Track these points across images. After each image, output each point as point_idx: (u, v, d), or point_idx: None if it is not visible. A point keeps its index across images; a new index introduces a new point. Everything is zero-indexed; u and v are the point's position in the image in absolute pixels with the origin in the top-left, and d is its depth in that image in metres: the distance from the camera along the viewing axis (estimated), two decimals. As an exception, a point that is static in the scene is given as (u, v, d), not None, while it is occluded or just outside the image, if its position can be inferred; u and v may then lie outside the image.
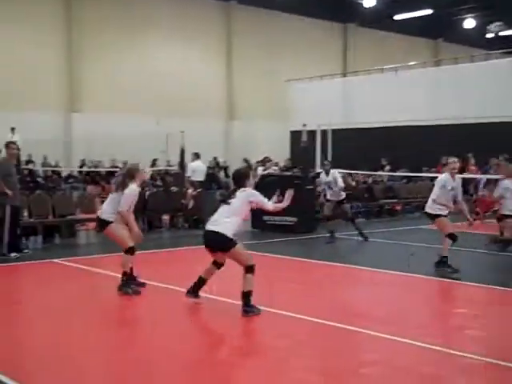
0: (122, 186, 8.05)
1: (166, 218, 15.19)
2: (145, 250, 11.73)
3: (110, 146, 24.59)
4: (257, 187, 14.50)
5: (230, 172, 28.71)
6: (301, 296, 8.22)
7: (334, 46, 35.37)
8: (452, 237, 9.32)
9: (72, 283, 8.93)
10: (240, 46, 31.42)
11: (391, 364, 5.52)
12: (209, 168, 21.79)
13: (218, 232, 7.01)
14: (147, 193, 14.73)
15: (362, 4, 31.68)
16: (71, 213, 13.12)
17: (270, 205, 7.35)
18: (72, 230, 13.04)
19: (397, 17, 34.20)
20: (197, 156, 16.73)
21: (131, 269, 8.19)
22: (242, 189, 7.23)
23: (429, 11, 33.05)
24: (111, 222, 8.02)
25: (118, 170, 19.21)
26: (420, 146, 22.33)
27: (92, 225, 13.49)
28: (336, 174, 13.20)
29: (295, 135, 22.62)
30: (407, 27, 35.04)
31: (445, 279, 9.07)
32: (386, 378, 5.23)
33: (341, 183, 13.09)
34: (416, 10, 33.07)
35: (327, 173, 13.21)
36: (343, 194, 13.29)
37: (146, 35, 28.54)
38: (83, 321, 6.84)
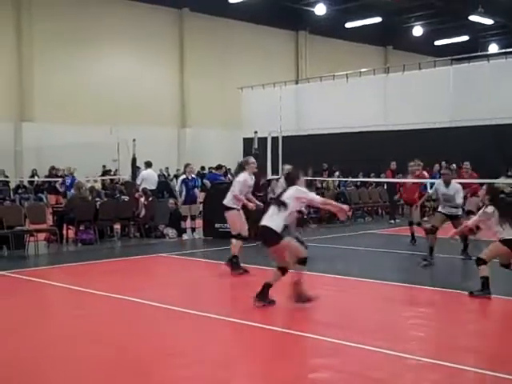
0: None
1: (117, 227, 15.10)
2: (96, 259, 11.73)
3: (62, 155, 24.23)
4: (208, 194, 14.58)
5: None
6: (248, 303, 8.29)
7: (286, 53, 35.67)
8: (238, 237, 9.87)
9: (21, 296, 8.80)
10: (192, 53, 31.42)
11: (339, 368, 5.60)
12: (160, 176, 21.73)
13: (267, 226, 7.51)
14: (98, 202, 14.63)
15: (313, 12, 32.05)
16: (20, 224, 12.91)
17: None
18: (21, 241, 12.81)
19: (348, 25, 34.72)
20: (148, 164, 16.70)
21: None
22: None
23: (378, 19, 33.64)
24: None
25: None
26: (370, 151, 22.70)
27: (41, 235, 13.31)
28: (457, 186, 11.11)
29: (248, 142, 22.71)
30: (358, 35, 35.58)
31: (388, 282, 9.25)
32: (334, 383, 5.32)
33: (460, 199, 10.98)
34: (366, 18, 33.63)
35: (447, 184, 11.13)
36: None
37: (97, 44, 28.28)
38: (36, 334, 6.75)
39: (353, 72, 25.22)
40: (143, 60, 29.93)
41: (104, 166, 25.90)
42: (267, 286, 7.62)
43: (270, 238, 7.48)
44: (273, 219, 7.52)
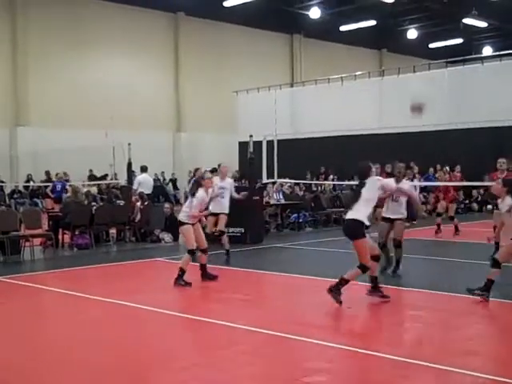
0: None
1: (113, 231, 15.08)
2: (92, 264, 11.73)
3: (57, 160, 24.19)
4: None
5: (179, 184, 28.73)
6: (245, 306, 8.30)
7: (281, 56, 35.72)
8: (191, 253, 9.45)
9: (17, 301, 8.79)
10: (188, 57, 31.44)
11: (335, 372, 5.62)
12: (156, 181, 21.66)
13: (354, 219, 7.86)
14: (94, 207, 14.61)
15: (308, 15, 32.10)
16: (15, 229, 12.87)
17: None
18: (16, 246, 12.77)
19: (342, 28, 34.79)
20: (143, 169, 16.71)
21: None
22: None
23: (373, 22, 33.72)
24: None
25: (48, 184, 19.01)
26: (366, 154, 22.71)
27: (37, 241, 13.28)
28: (407, 184, 10.37)
29: (243, 146, 22.76)
30: (353, 38, 35.66)
31: (383, 285, 9.24)
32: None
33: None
34: (361, 22, 33.71)
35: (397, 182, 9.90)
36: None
37: (92, 48, 28.26)
38: (33, 339, 6.74)
39: (348, 75, 25.26)
40: (138, 64, 29.92)
41: (91, 171, 25.70)
42: (344, 281, 7.76)
43: (356, 230, 7.78)
44: (358, 211, 7.80)
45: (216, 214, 11.70)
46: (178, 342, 6.70)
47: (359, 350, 6.07)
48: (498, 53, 24.98)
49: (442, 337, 6.72)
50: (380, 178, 8.26)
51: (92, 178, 24.88)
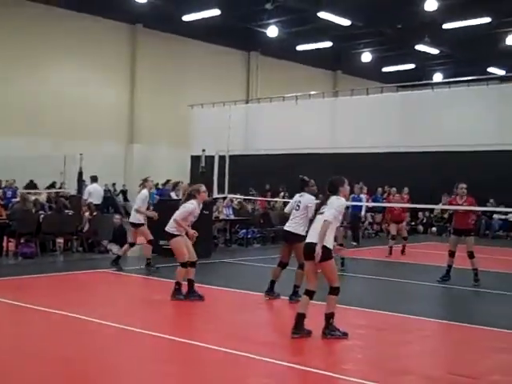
0: None
1: (60, 241, 14.89)
2: (37, 273, 11.55)
3: (6, 167, 23.65)
4: (154, 210, 14.55)
5: (129, 195, 28.49)
6: (191, 321, 8.32)
7: (237, 72, 35.92)
8: (184, 265, 9.29)
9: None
10: (144, 69, 31.32)
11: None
12: (106, 192, 21.42)
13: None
14: (41, 215, 14.42)
15: (265, 33, 32.41)
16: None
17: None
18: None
19: (299, 47, 35.24)
20: (94, 179, 16.61)
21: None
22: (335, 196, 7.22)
23: (329, 44, 34.28)
24: None
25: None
26: (318, 173, 23.02)
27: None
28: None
29: (196, 160, 22.80)
30: (309, 58, 36.14)
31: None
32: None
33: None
34: (317, 42, 34.22)
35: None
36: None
37: (44, 55, 27.82)
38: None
39: (302, 94, 25.61)
40: (92, 73, 29.57)
41: (32, 181, 25.02)
42: (301, 317, 7.17)
43: (322, 253, 6.88)
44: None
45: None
46: (123, 355, 6.66)
47: (298, 367, 6.17)
48: (447, 80, 25.76)
49: (380, 355, 6.88)
50: (341, 200, 7.34)
51: (31, 186, 24.08)
